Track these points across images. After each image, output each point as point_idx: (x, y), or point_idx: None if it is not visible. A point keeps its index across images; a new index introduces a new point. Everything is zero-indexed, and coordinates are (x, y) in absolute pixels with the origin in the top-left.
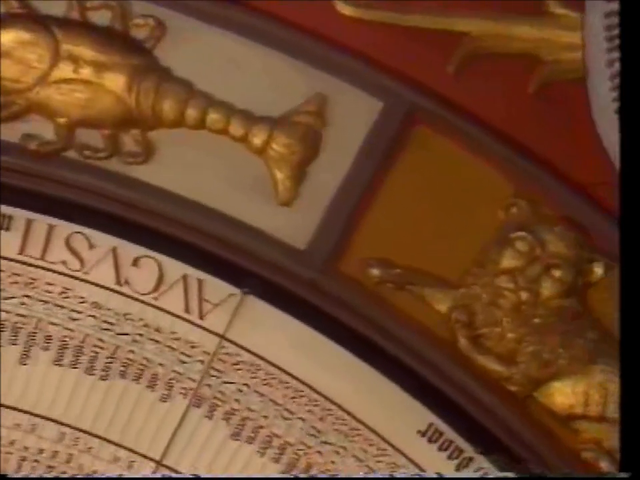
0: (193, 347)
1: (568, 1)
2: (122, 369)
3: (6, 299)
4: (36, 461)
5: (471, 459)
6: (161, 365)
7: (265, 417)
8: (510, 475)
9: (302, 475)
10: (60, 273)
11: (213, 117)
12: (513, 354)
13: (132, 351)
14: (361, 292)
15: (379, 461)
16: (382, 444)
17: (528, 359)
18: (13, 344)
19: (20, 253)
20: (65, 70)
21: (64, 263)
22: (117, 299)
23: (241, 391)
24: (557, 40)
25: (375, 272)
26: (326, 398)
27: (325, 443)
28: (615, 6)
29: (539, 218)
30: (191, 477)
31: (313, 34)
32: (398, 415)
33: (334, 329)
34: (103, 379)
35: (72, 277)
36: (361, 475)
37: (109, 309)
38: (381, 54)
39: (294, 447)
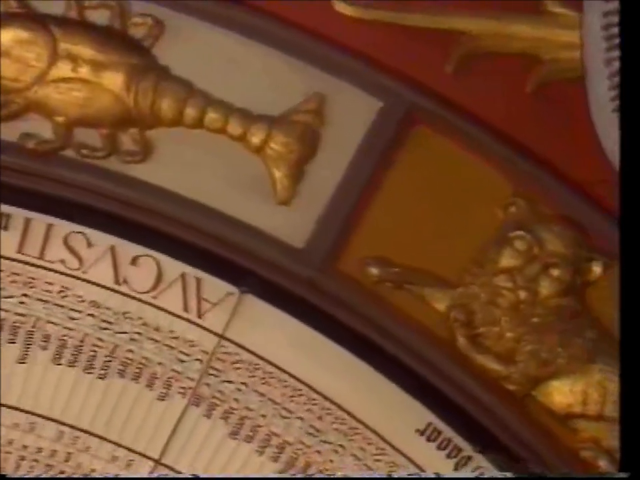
0: (191, 345)
1: (566, 0)
2: (121, 368)
3: (4, 298)
4: (35, 460)
5: (469, 458)
6: (159, 363)
7: (264, 416)
8: (509, 474)
9: (301, 475)
10: (58, 272)
11: (212, 116)
12: (511, 353)
13: (131, 350)
14: (360, 291)
15: (377, 460)
16: (380, 443)
17: (526, 358)
18: (12, 343)
19: (18, 252)
20: (63, 69)
21: (62, 262)
22: (116, 298)
23: (239, 390)
24: (555, 39)
25: (374, 271)
26: (325, 397)
27: (324, 442)
28: (613, 5)
29: (538, 217)
30: (190, 477)
31: (312, 33)
32: (396, 413)
33: (332, 328)
34: (102, 378)
35: (70, 276)
36: (361, 474)
37: (107, 308)
38: (379, 53)
39: (293, 446)
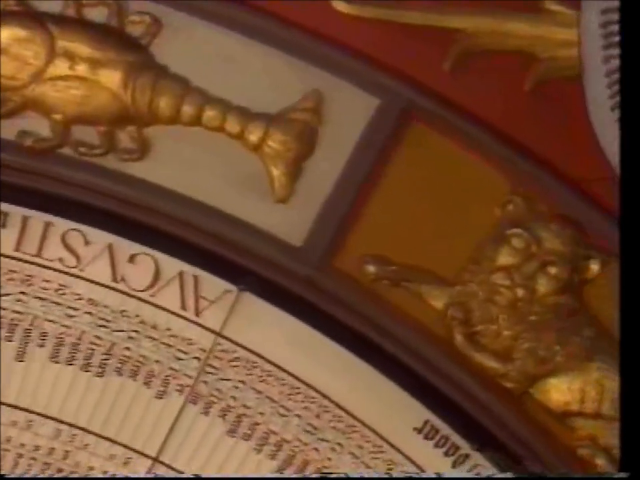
0: (189, 343)
1: None
2: (118, 365)
3: (2, 295)
4: (32, 458)
5: (467, 456)
6: (157, 361)
7: (262, 413)
8: (509, 474)
9: (299, 475)
10: (56, 270)
11: (209, 114)
12: (509, 351)
13: (128, 348)
14: (357, 289)
15: (375, 458)
16: (378, 441)
17: (524, 355)
18: (9, 341)
19: (16, 250)
20: (60, 67)
21: (60, 259)
22: (113, 295)
23: (237, 387)
24: (553, 37)
25: (371, 269)
26: (322, 395)
27: (322, 439)
28: (611, 3)
29: (535, 215)
30: (190, 476)
31: (309, 31)
32: (394, 412)
33: (330, 325)
34: (99, 376)
35: (68, 273)
36: (359, 472)
37: (105, 306)
38: (377, 51)
39: (290, 444)
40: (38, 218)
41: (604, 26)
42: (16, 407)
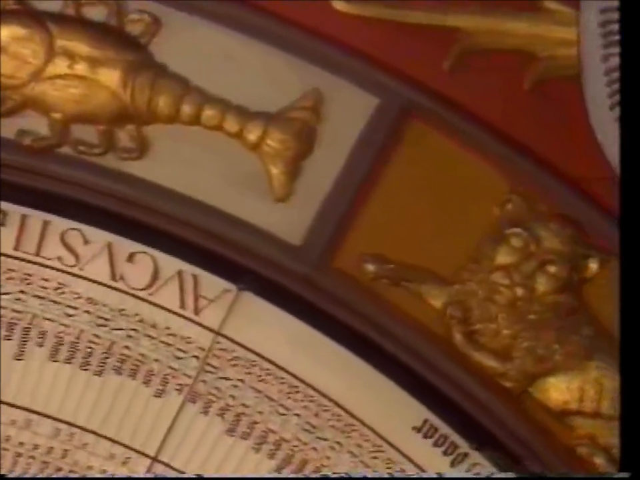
0: (188, 342)
1: None
2: (117, 364)
3: (1, 294)
4: (31, 457)
5: (466, 455)
6: (156, 360)
7: (260, 412)
8: (508, 474)
9: (298, 473)
10: (55, 269)
11: (208, 113)
12: (508, 350)
13: (127, 347)
14: (356, 288)
15: (374, 457)
16: (377, 440)
17: (523, 354)
18: (8, 339)
19: (15, 249)
20: (59, 65)
21: (59, 258)
22: (112, 294)
23: (236, 386)
24: (552, 36)
25: (370, 268)
26: (321, 394)
27: (321, 438)
28: (611, 2)
29: (534, 214)
30: (188, 476)
31: (309, 30)
32: (393, 410)
33: (329, 325)
34: (98, 375)
35: (67, 272)
36: (358, 472)
37: (104, 305)
38: (376, 50)
39: (289, 443)
40: (37, 217)
41: (603, 25)
42: (15, 406)
